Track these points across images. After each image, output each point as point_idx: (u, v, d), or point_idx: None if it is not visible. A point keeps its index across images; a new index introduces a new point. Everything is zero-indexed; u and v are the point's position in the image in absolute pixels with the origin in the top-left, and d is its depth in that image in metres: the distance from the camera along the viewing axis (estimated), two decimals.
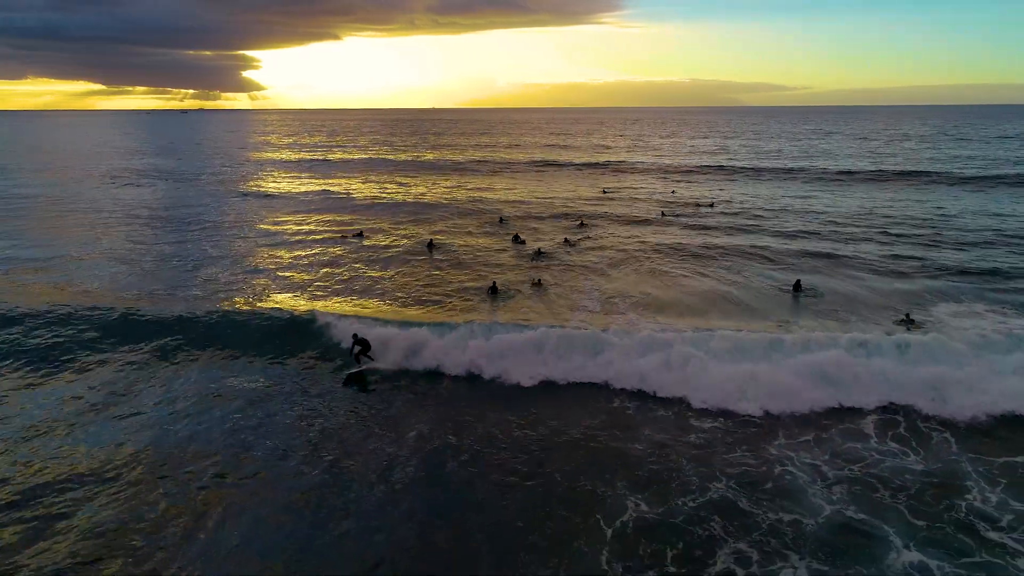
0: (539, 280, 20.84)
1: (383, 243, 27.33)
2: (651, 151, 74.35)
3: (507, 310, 18.30)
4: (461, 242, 27.35)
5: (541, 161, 62.01)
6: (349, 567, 8.30)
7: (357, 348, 14.90)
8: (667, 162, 60.16)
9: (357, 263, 23.94)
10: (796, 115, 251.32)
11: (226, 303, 18.62)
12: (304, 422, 12.21)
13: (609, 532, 8.91)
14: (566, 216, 33.00)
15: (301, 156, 73.13)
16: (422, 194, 42.04)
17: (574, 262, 23.65)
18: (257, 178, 51.40)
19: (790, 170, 51.70)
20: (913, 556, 8.35)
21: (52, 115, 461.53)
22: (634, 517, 9.19)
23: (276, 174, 54.83)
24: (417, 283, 21.24)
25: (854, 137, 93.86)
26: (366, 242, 27.55)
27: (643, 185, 45.69)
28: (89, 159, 70.77)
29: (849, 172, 49.28)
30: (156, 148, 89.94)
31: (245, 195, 41.74)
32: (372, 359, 14.96)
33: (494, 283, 20.24)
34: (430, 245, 26.50)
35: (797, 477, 10.19)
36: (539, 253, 24.60)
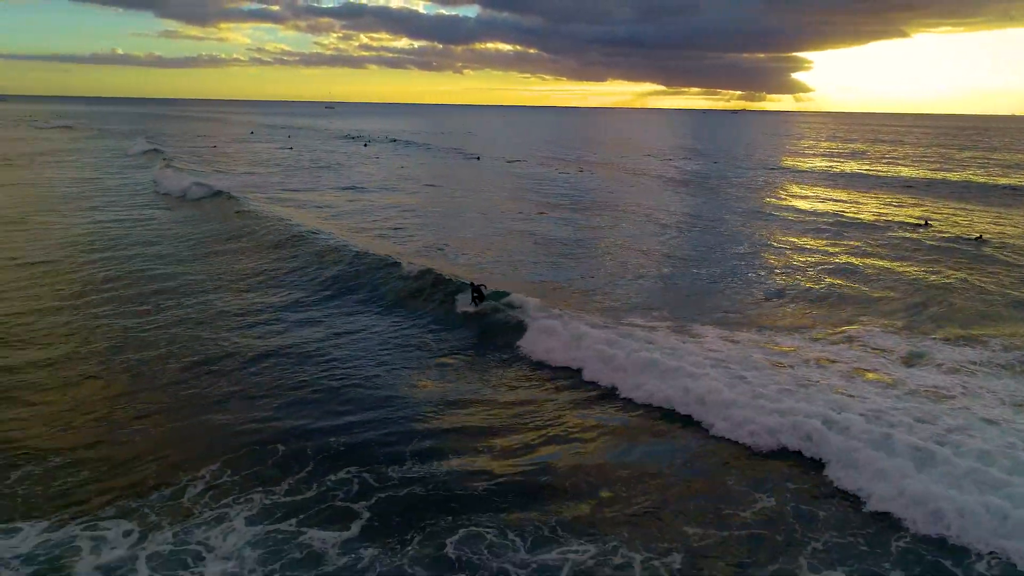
0: None
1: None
2: None
3: None
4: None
5: None
6: None
7: (475, 294, 17.51)
8: None
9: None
10: None
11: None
12: None
13: None
14: None
15: (829, 165, 69.15)
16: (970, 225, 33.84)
17: None
18: (781, 188, 49.66)
19: None
20: None
21: (621, 112, 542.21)
22: None
23: (803, 185, 52.09)
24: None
25: None
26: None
27: None
28: (641, 155, 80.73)
29: None
30: (702, 147, 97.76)
31: (764, 209, 40.27)
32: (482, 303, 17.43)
33: None
34: (978, 240, 27.58)
35: None
36: None
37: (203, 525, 9.12)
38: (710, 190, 47.40)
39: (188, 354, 15.11)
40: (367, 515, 9.43)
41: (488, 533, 9.09)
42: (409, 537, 8.99)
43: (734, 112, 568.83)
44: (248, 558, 8.50)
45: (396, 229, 29.98)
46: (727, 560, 8.62)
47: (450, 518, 9.38)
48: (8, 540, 8.62)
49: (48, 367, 14.37)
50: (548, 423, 12.28)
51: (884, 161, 75.84)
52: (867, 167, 67.69)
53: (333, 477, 10.35)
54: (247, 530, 9.05)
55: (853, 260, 25.03)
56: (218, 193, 38.08)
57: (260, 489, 9.98)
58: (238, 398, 13.03)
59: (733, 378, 13.03)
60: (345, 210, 35.33)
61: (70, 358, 14.87)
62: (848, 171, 63.34)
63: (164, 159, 56.51)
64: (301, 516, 9.37)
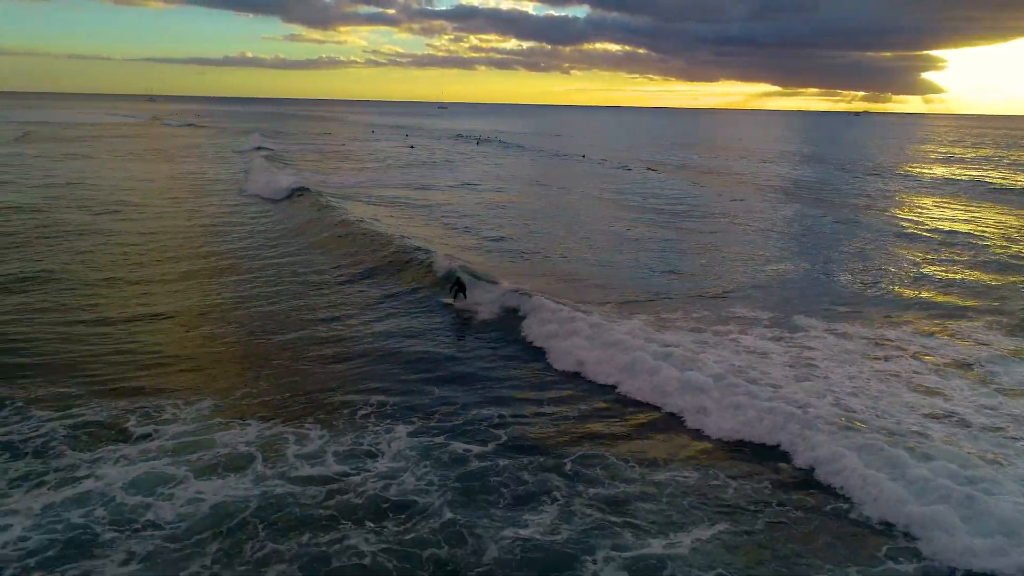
0: None
1: None
2: None
3: None
4: None
5: None
6: None
7: (455, 288, 18.20)
8: None
9: None
10: None
11: None
12: None
13: None
14: None
15: (952, 172, 65.43)
16: None
17: None
18: (894, 196, 48.16)
19: None
20: None
21: (732, 113, 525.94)
22: None
23: (919, 194, 50.05)
24: None
25: None
26: None
27: None
28: (751, 160, 79.87)
29: None
30: (815, 152, 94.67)
31: (873, 218, 39.79)
32: (465, 297, 18.23)
33: None
34: None
35: None
36: None
37: (373, 434, 11.59)
38: (819, 198, 46.19)
39: (321, 320, 18.04)
40: (504, 437, 11.61)
41: (609, 455, 11.09)
42: (536, 454, 11.08)
43: (855, 114, 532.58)
44: (408, 457, 10.86)
45: (498, 228, 31.06)
46: (807, 490, 10.30)
47: (575, 445, 11.42)
48: (240, 431, 11.44)
49: (227, 325, 17.64)
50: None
51: (1015, 168, 71.35)
52: (993, 174, 63.91)
53: (476, 411, 12.61)
54: (407, 440, 11.43)
55: (963, 269, 24.45)
56: (311, 193, 40.76)
57: (419, 414, 12.40)
58: (391, 354, 15.55)
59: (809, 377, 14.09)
60: (462, 207, 38.18)
61: (234, 316, 18.16)
62: (971, 178, 59.82)
63: (268, 156, 60.30)
64: (450, 433, 11.69)
